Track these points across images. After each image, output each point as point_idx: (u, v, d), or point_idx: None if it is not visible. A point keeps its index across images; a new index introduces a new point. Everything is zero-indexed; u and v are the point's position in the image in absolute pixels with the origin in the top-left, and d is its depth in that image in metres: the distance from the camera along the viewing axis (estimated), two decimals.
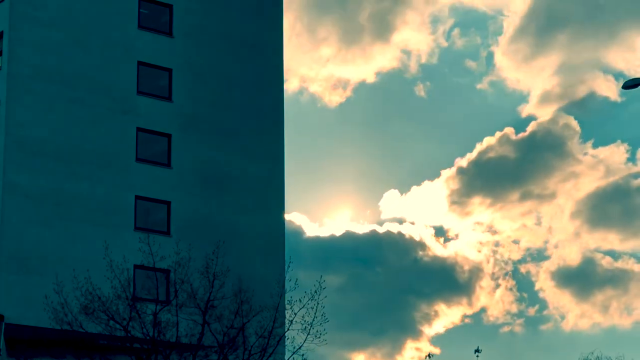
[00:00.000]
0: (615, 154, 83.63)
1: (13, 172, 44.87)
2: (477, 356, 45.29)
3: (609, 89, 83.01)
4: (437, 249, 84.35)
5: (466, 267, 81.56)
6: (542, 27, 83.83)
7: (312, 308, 42.98)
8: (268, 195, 51.45)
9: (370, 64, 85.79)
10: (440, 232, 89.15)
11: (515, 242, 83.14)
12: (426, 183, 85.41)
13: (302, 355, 43.41)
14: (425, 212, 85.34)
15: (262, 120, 52.21)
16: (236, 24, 52.63)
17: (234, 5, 52.88)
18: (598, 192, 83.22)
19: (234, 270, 44.74)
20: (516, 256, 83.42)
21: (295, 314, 43.23)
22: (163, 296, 44.73)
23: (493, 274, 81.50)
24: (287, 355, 43.80)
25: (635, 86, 34.06)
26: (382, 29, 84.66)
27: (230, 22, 52.46)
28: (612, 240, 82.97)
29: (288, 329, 43.50)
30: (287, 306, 43.56)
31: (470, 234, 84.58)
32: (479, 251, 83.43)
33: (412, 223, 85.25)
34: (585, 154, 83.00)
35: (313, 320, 43.02)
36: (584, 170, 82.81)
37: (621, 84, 34.04)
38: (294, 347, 43.33)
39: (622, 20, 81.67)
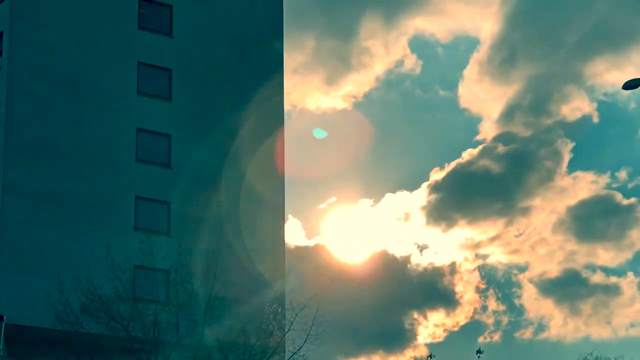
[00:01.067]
0: (592, 171, 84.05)
1: (13, 172, 44.85)
2: (479, 357, 45.27)
3: (581, 109, 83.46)
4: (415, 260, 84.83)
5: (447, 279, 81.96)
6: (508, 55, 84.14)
7: (313, 309, 43.06)
8: (268, 195, 51.41)
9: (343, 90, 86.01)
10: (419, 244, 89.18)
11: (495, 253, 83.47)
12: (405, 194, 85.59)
13: (302, 356, 43.46)
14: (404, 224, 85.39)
15: (262, 120, 52.19)
16: (236, 24, 52.63)
17: (234, 5, 52.88)
18: (579, 205, 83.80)
19: (234, 270, 44.73)
20: (498, 268, 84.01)
21: (296, 314, 43.30)
22: (163, 296, 44.72)
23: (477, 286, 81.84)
24: (287, 356, 43.86)
25: (635, 86, 34.05)
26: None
27: (230, 22, 52.45)
28: (595, 253, 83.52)
29: (288, 330, 43.54)
30: (288, 307, 43.61)
31: (449, 247, 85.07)
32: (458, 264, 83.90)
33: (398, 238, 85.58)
34: (564, 172, 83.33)
35: (313, 321, 43.10)
36: (564, 185, 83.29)
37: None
38: (294, 348, 43.41)
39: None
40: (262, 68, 52.81)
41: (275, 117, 52.89)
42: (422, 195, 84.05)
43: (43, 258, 44.45)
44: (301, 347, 43.26)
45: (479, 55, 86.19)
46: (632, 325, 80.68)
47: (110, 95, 48.08)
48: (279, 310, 43.98)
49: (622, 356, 48.92)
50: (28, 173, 45.16)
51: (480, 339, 78.16)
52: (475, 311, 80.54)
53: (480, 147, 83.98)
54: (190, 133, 49.92)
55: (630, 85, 34.07)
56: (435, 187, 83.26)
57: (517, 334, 79.23)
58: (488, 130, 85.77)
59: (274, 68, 53.39)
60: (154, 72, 49.71)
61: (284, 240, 51.34)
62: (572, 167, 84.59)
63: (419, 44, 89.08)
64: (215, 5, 52.22)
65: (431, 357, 45.60)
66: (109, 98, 47.98)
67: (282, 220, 51.82)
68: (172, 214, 48.48)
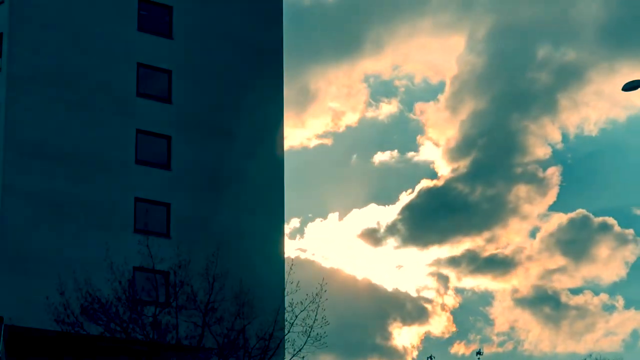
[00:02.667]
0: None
1: (12, 174, 44.78)
2: (479, 358, 45.28)
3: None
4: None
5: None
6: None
7: (313, 311, 43.04)
8: (268, 196, 51.37)
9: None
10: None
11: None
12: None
13: (302, 357, 43.47)
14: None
15: (262, 121, 52.16)
16: (236, 25, 52.56)
17: (234, 6, 52.82)
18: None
19: (234, 272, 44.70)
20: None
21: (296, 316, 43.30)
22: (163, 298, 44.68)
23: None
24: (287, 357, 43.82)
25: (635, 88, 34.02)
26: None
27: (230, 23, 52.40)
28: (569, 272, 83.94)
29: (288, 332, 43.53)
30: (288, 308, 43.60)
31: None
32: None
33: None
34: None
35: (313, 323, 43.09)
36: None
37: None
38: (294, 350, 43.38)
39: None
40: (262, 69, 52.76)
41: (275, 117, 52.82)
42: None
43: (43, 259, 44.38)
44: (301, 348, 43.27)
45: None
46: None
47: (110, 96, 48.01)
48: (279, 311, 43.96)
49: (622, 357, 48.93)
50: (28, 174, 45.09)
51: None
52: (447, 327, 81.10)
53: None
54: (190, 134, 49.86)
55: (630, 86, 34.04)
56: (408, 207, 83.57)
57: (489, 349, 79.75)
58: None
59: (274, 69, 53.32)
60: (153, 73, 49.67)
61: (283, 242, 51.32)
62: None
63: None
64: (215, 6, 52.15)
65: (431, 358, 45.61)
66: (109, 99, 47.92)
67: (282, 221, 51.77)
68: (171, 216, 48.42)
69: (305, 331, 42.96)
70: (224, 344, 42.12)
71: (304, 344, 43.03)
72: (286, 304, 43.75)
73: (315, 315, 42.95)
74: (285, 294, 43.94)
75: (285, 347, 43.70)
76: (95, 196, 46.45)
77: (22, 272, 43.86)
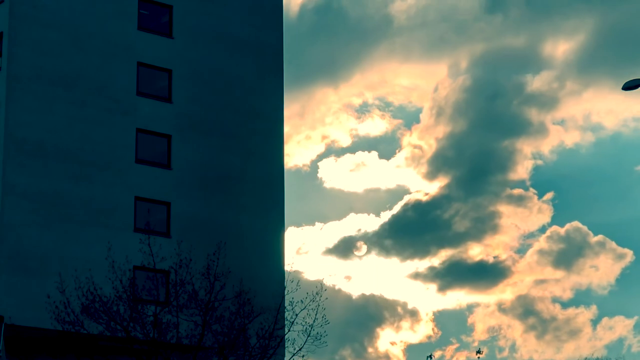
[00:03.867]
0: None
1: (13, 173, 44.81)
2: (478, 358, 45.34)
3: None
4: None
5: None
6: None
7: (313, 310, 43.06)
8: (268, 196, 51.41)
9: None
10: None
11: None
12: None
13: (303, 356, 43.48)
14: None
15: (262, 121, 52.19)
16: (236, 24, 52.60)
17: (234, 5, 52.85)
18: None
19: (234, 271, 44.72)
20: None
21: (296, 315, 43.31)
22: (163, 297, 44.72)
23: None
24: (288, 356, 43.84)
25: (635, 87, 34.01)
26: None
27: (230, 22, 52.43)
28: (550, 285, 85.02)
29: (289, 331, 43.54)
30: (288, 307, 43.60)
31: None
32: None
33: None
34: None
35: (314, 322, 43.11)
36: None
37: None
38: (295, 349, 43.40)
39: None
40: (262, 68, 52.78)
41: (275, 117, 52.84)
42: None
43: (43, 258, 44.44)
44: (301, 347, 43.29)
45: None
46: None
47: (110, 95, 48.06)
48: (279, 310, 43.96)
49: (623, 357, 49.02)
50: (28, 173, 45.13)
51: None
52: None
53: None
54: (190, 133, 49.90)
55: (629, 86, 34.04)
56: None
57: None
58: None
59: (274, 68, 53.34)
60: (153, 72, 49.71)
61: (284, 240, 51.37)
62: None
63: None
64: (215, 5, 52.19)
65: (430, 358, 45.62)
66: (109, 98, 47.96)
67: (282, 220, 51.79)
68: (172, 215, 48.46)
69: (305, 330, 43.01)
70: (225, 343, 42.11)
71: (304, 343, 43.07)
72: (286, 303, 43.75)
73: (316, 314, 43.00)
74: (286, 292, 43.92)
75: (286, 346, 43.71)
76: (95, 195, 46.50)
77: (23, 271, 43.91)
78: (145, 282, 44.40)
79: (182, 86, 50.18)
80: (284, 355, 44.28)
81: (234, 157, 50.81)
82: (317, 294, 43.19)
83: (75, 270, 42.98)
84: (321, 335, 43.13)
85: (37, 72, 46.31)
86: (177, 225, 48.28)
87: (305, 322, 43.08)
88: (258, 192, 51.03)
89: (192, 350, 42.69)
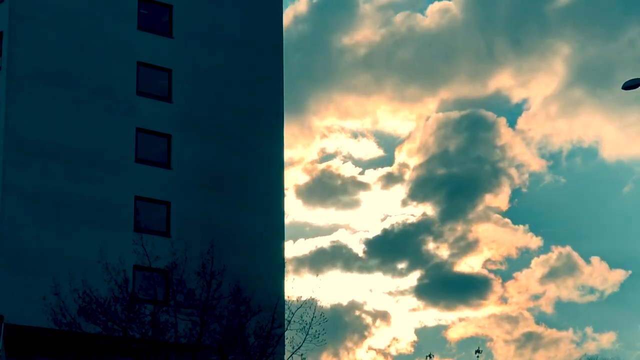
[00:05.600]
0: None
1: (12, 173, 44.86)
2: (477, 357, 45.29)
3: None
4: None
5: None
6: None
7: (311, 308, 43.08)
8: (268, 195, 51.39)
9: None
10: None
11: None
12: None
13: (301, 355, 43.47)
14: None
15: (262, 121, 52.18)
16: (236, 24, 52.60)
17: (234, 5, 52.85)
18: None
19: (232, 270, 44.71)
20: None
21: (293, 314, 43.31)
22: (162, 297, 44.73)
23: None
24: (286, 355, 43.85)
25: (635, 86, 33.89)
26: None
27: (230, 22, 52.44)
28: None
29: (287, 329, 43.54)
30: (286, 306, 43.61)
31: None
32: None
33: None
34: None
35: (312, 320, 43.10)
36: None
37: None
38: (293, 347, 43.41)
39: None
40: (262, 68, 52.78)
41: (275, 117, 52.84)
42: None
43: (42, 258, 44.46)
44: (300, 346, 43.30)
45: None
46: None
47: (110, 95, 48.08)
48: (277, 309, 43.97)
49: (618, 358, 48.92)
50: (28, 173, 45.18)
51: None
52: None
53: None
54: (190, 133, 49.91)
55: (629, 85, 33.91)
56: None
57: None
58: None
59: (274, 68, 53.34)
60: (153, 72, 49.73)
61: (283, 240, 51.31)
62: None
63: None
64: (215, 5, 52.19)
65: (430, 357, 45.54)
66: (109, 98, 47.99)
67: (281, 220, 51.76)
68: (171, 214, 48.47)
69: (304, 328, 43.01)
70: (223, 342, 42.12)
71: (303, 342, 43.07)
72: (285, 301, 43.76)
73: (314, 313, 43.00)
74: (284, 291, 43.94)
75: (285, 344, 43.72)
76: (95, 195, 46.51)
77: (22, 270, 43.95)
78: (145, 281, 44.45)
79: (182, 86, 50.19)
80: (283, 354, 44.29)
81: (234, 157, 50.80)
82: (315, 292, 43.29)
83: (74, 270, 42.98)
84: (319, 334, 43.15)
85: (37, 72, 46.36)
86: (176, 225, 48.28)
87: (303, 321, 43.12)
88: (258, 190, 51.00)
89: (191, 350, 42.68)
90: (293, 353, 43.36)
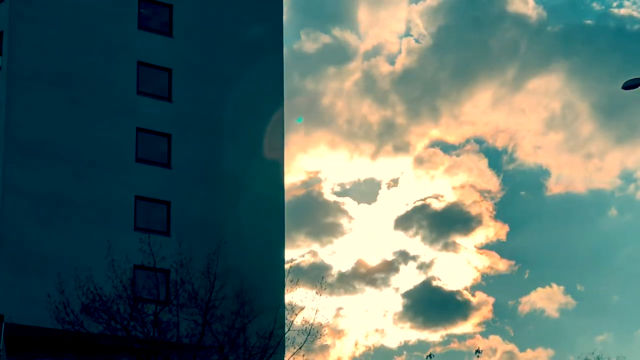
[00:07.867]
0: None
1: (13, 173, 44.85)
2: (478, 356, 45.27)
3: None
4: None
5: None
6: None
7: (313, 309, 43.12)
8: (268, 195, 51.41)
9: None
10: None
11: None
12: None
13: (303, 356, 43.49)
14: None
15: (262, 120, 52.20)
16: (236, 24, 52.60)
17: (234, 5, 52.86)
18: None
19: (234, 270, 44.74)
20: None
21: (295, 314, 43.35)
22: (163, 296, 44.74)
23: None
24: (288, 356, 43.86)
25: (635, 86, 33.93)
26: None
27: (230, 22, 52.44)
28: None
29: (289, 330, 43.57)
30: (288, 307, 43.64)
31: None
32: None
33: None
34: None
35: (313, 321, 43.14)
36: None
37: None
38: (294, 348, 43.42)
39: None
40: (262, 67, 52.79)
41: (275, 116, 52.87)
42: None
43: (43, 258, 44.46)
44: (301, 346, 43.32)
45: None
46: None
47: (110, 95, 48.07)
48: (279, 309, 44.02)
49: (624, 357, 49.00)
50: (28, 173, 45.16)
51: None
52: None
53: None
54: (190, 133, 49.92)
55: (629, 85, 33.96)
56: None
57: None
58: None
59: (274, 68, 53.36)
60: (153, 72, 49.72)
61: (284, 240, 51.35)
62: None
63: None
64: (215, 4, 52.19)
65: (430, 357, 45.51)
66: (109, 98, 47.97)
67: (282, 219, 51.80)
68: (172, 214, 48.48)
69: (305, 329, 43.05)
70: (225, 342, 42.15)
71: (304, 342, 43.10)
72: (286, 302, 43.79)
73: (315, 313, 43.06)
74: (285, 291, 43.97)
75: (286, 345, 43.75)
76: (95, 194, 46.50)
77: (23, 270, 43.94)
78: (146, 281, 44.46)
79: (182, 85, 50.19)
80: (284, 355, 44.31)
81: (234, 155, 50.82)
82: (315, 292, 43.29)
83: (75, 269, 42.97)
84: (321, 335, 43.21)
85: (37, 72, 46.32)
86: (176, 224, 48.30)
87: (305, 322, 43.15)
88: (258, 190, 51.01)
89: (192, 350, 42.69)
90: (294, 353, 43.39)
